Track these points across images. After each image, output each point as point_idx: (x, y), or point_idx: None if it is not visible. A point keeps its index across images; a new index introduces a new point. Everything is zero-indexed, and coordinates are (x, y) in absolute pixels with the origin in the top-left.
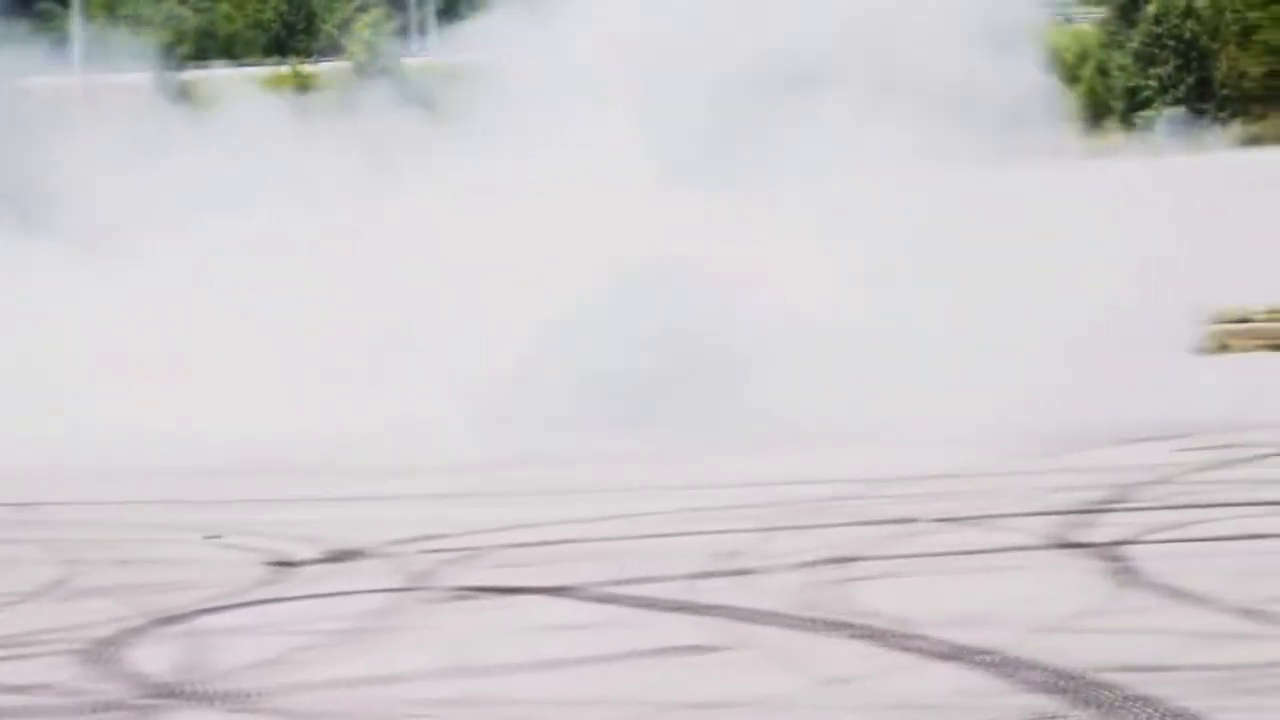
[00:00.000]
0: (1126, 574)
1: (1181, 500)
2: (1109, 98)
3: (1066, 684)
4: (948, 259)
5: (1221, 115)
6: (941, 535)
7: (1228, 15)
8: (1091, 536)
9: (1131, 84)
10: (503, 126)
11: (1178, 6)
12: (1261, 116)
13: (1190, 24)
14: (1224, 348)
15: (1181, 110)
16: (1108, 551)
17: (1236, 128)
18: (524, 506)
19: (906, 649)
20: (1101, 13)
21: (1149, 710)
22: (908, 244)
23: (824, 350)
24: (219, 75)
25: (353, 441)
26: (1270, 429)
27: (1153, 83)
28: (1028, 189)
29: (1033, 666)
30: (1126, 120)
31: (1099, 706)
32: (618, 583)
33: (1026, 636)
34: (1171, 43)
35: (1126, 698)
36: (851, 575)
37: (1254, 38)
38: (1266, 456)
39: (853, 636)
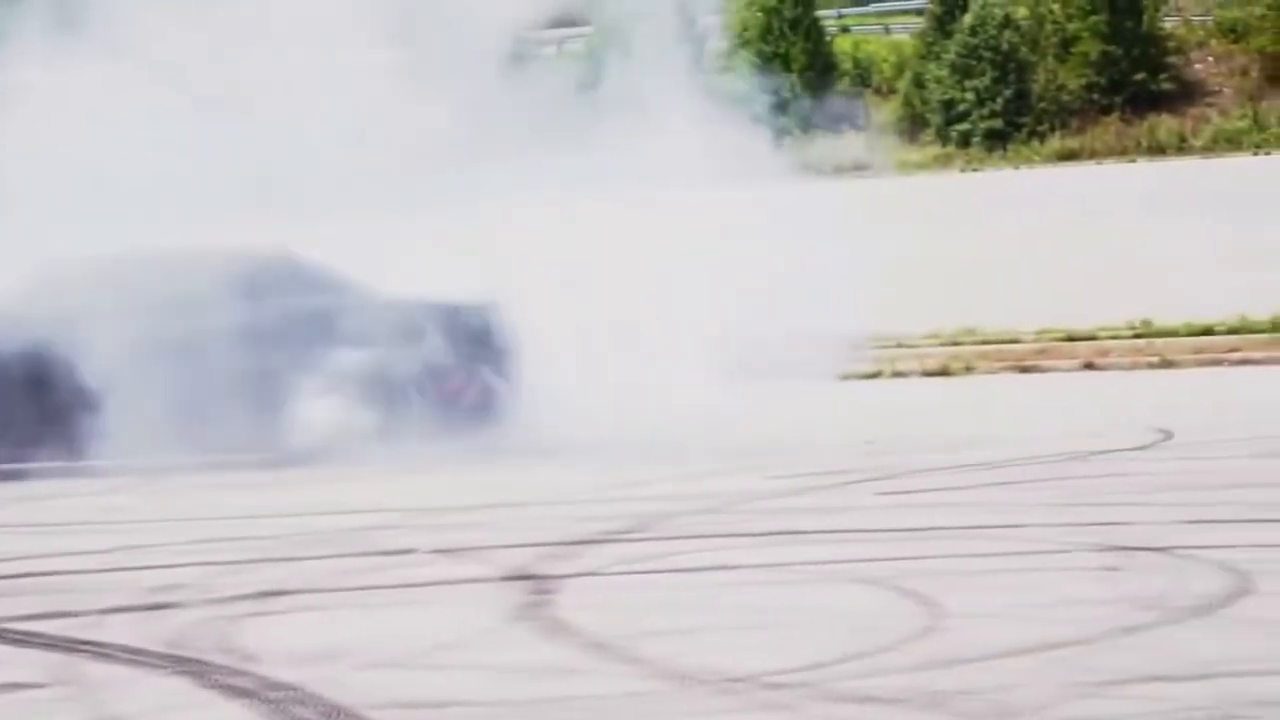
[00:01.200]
0: (536, 608)
1: (699, 530)
2: (925, 110)
3: (344, 715)
4: (621, 275)
5: (1039, 129)
6: (418, 568)
7: (1047, 27)
8: (556, 569)
9: (947, 96)
10: None
11: (995, 17)
12: (1080, 130)
13: (1008, 35)
14: (968, 369)
15: (998, 123)
16: (548, 584)
17: (1054, 141)
18: (38, 538)
19: (215, 686)
20: (920, 23)
21: None
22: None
23: None
24: None
25: None
26: (899, 454)
27: (969, 95)
28: (767, 209)
29: (315, 703)
30: (943, 133)
31: None
32: (21, 619)
33: (357, 672)
34: (988, 54)
35: None
36: (267, 610)
37: (1073, 50)
38: (846, 484)
39: (178, 673)
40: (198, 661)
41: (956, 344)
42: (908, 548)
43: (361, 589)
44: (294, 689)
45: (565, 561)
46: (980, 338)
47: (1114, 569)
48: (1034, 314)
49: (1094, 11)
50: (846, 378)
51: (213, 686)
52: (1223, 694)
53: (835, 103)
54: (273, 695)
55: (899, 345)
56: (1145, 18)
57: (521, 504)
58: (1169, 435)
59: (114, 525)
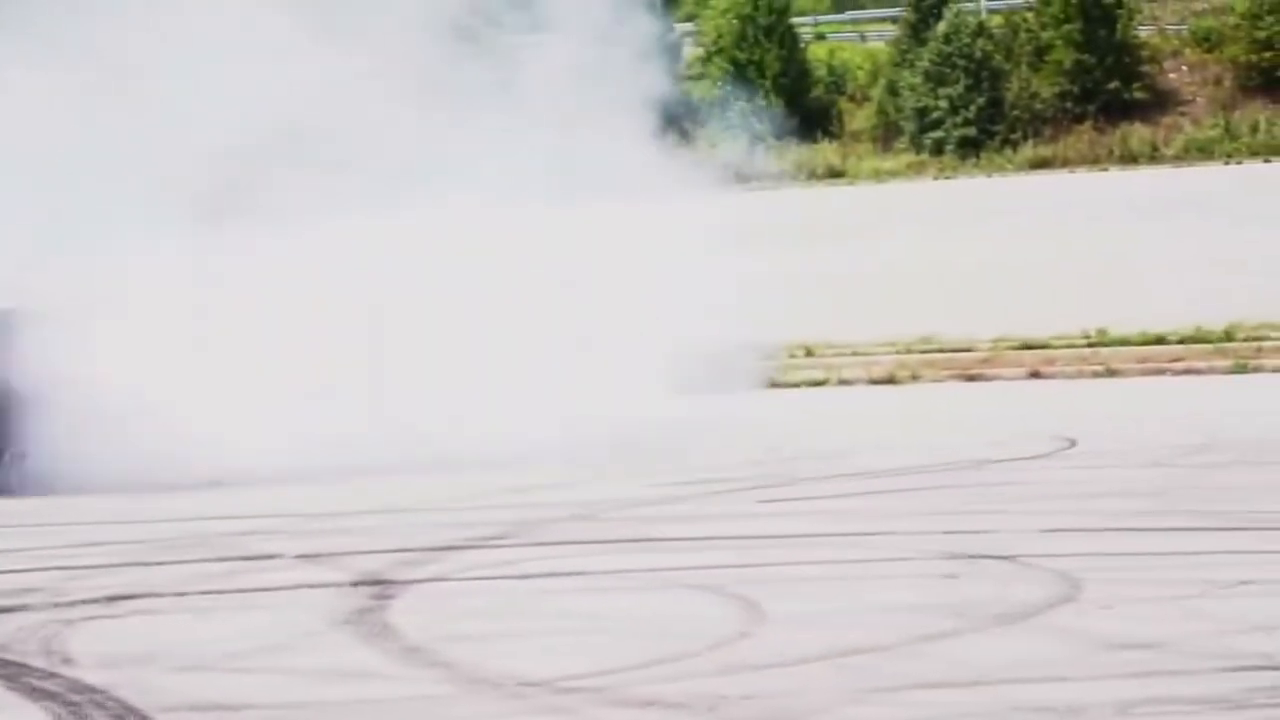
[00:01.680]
0: (369, 613)
1: (562, 537)
2: (899, 118)
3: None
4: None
5: (1012, 137)
6: (275, 573)
7: (1021, 35)
8: (405, 574)
9: (921, 104)
10: None
11: (969, 25)
12: (1052, 139)
13: (981, 43)
14: (915, 377)
15: (972, 131)
16: (390, 590)
17: (1027, 150)
18: None
19: (24, 688)
20: (895, 31)
21: None
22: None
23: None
24: None
25: None
26: (799, 461)
27: (943, 103)
28: (729, 218)
29: (112, 706)
30: (916, 141)
31: None
32: None
33: (167, 675)
34: (962, 62)
35: None
36: (109, 614)
37: (1047, 58)
38: (727, 492)
39: None
40: (18, 665)
41: (910, 352)
42: (756, 555)
43: (210, 593)
44: (99, 692)
45: (418, 567)
46: (935, 345)
47: (952, 576)
48: (997, 321)
49: (1068, 20)
50: (795, 385)
51: (21, 689)
52: (998, 700)
53: (809, 110)
54: (74, 698)
55: (854, 353)
56: (1119, 26)
57: (401, 510)
58: (1072, 444)
59: None
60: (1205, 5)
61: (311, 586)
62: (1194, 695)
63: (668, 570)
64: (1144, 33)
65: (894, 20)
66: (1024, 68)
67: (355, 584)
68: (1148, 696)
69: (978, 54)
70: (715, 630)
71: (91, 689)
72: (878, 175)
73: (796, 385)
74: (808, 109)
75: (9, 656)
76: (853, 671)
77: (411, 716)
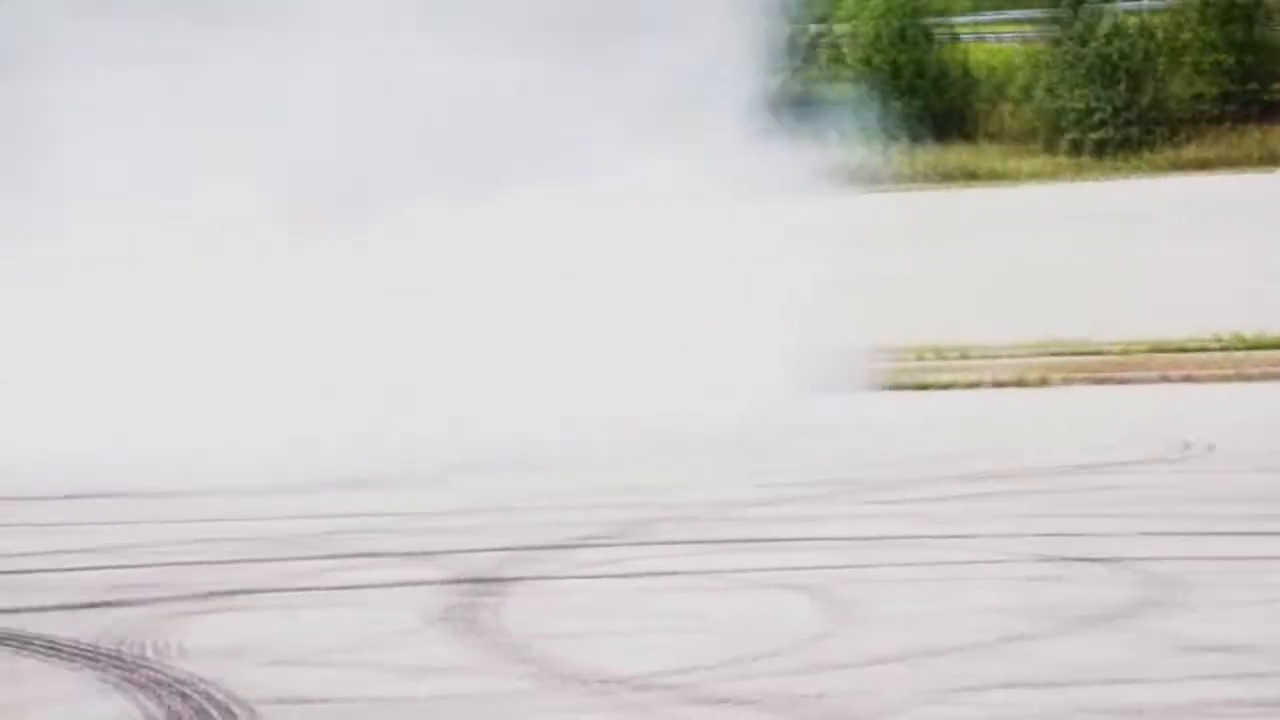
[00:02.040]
0: (465, 610)
1: (666, 537)
2: (1037, 120)
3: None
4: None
5: (1149, 138)
6: (374, 570)
7: (1159, 36)
8: (506, 572)
9: (1058, 105)
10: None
11: (1106, 27)
12: (1191, 140)
13: (1119, 44)
14: (1043, 381)
15: (1109, 132)
16: (488, 587)
17: (1166, 151)
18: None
19: (112, 679)
20: (1031, 32)
21: None
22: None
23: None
24: None
25: None
26: (914, 464)
27: (1080, 104)
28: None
29: (196, 695)
30: (1054, 142)
31: None
32: None
33: (257, 669)
34: (1099, 63)
35: None
36: (208, 609)
37: (1184, 59)
38: (837, 493)
39: (88, 666)
40: (116, 656)
41: (1040, 354)
42: (855, 555)
43: (307, 590)
44: (185, 682)
45: (519, 565)
46: (1066, 348)
47: (1044, 579)
48: (1129, 324)
49: (1205, 21)
50: (922, 387)
51: (110, 680)
52: (1068, 701)
53: (945, 111)
54: (182, 689)
55: (983, 355)
56: (1257, 27)
57: (509, 509)
58: (1189, 448)
59: (93, 526)
60: None
61: (410, 584)
62: (1269, 698)
63: (767, 570)
64: None
65: (1032, 22)
66: (1161, 69)
67: (453, 581)
68: (1220, 699)
69: (1115, 55)
70: (802, 630)
71: (179, 679)
72: (1015, 176)
73: (923, 387)
74: (944, 110)
75: (112, 648)
76: (929, 672)
77: (491, 711)
